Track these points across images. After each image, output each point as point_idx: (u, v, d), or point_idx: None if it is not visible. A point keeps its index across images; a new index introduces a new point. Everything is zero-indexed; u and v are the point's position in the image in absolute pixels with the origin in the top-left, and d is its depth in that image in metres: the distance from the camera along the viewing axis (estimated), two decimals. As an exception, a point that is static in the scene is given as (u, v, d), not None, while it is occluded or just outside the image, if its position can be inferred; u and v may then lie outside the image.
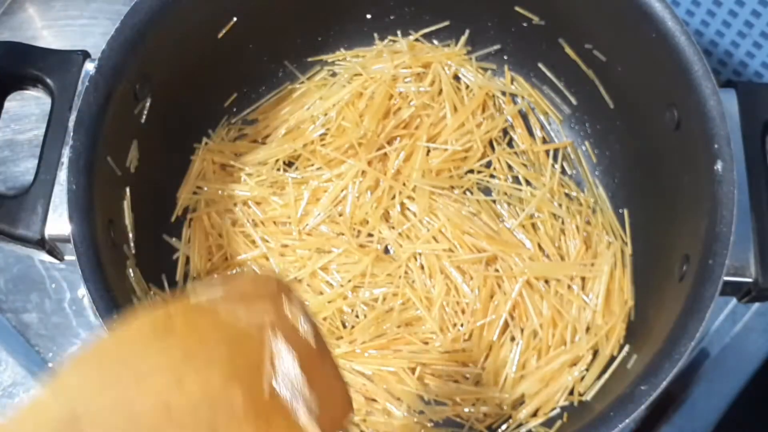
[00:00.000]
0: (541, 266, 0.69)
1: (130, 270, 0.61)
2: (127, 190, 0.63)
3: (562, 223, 0.71)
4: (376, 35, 0.77)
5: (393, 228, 0.70)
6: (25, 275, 0.74)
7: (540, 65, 0.76)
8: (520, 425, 0.65)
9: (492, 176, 0.74)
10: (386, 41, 0.77)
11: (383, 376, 0.66)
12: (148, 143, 0.66)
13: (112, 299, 0.55)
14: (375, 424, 0.65)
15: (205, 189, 0.72)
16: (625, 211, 0.71)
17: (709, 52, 0.77)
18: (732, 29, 0.73)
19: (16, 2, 0.83)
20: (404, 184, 0.71)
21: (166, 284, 0.67)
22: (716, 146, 0.57)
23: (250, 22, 0.69)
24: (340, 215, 0.71)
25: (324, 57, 0.77)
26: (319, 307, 0.67)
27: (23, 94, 0.62)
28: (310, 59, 0.77)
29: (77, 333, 0.72)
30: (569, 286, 0.68)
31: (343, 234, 0.70)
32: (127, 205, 0.63)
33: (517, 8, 0.72)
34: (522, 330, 0.67)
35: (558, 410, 0.64)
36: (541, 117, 0.77)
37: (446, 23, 0.76)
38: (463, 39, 0.77)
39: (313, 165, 0.73)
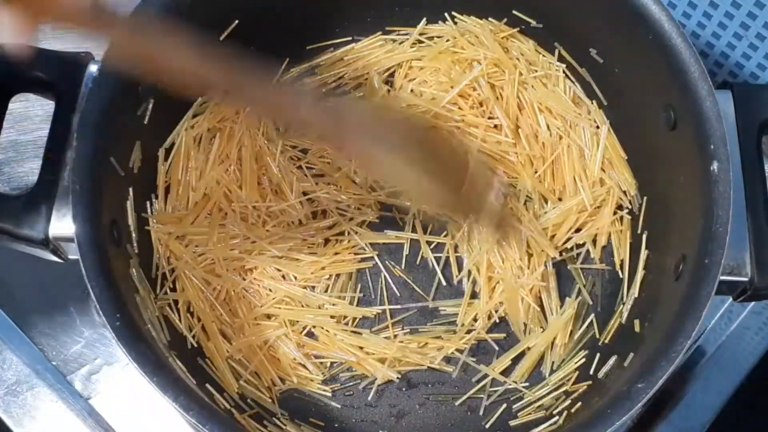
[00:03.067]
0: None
1: (133, 269, 0.62)
2: (130, 190, 0.63)
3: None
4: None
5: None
6: (29, 274, 0.74)
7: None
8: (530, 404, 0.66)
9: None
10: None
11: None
12: (151, 144, 0.67)
13: (116, 298, 0.55)
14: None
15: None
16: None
17: (705, 54, 0.78)
18: (728, 31, 0.74)
19: (19, 4, 0.83)
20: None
21: (169, 284, 0.67)
22: (712, 147, 0.58)
23: (251, 25, 0.70)
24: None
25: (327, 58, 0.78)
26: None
27: (27, 95, 0.63)
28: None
29: (81, 332, 0.72)
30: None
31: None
32: (130, 205, 0.63)
33: (515, 12, 0.73)
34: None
35: (557, 409, 0.65)
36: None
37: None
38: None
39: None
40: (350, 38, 0.77)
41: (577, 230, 0.71)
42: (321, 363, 0.68)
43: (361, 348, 0.68)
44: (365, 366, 0.68)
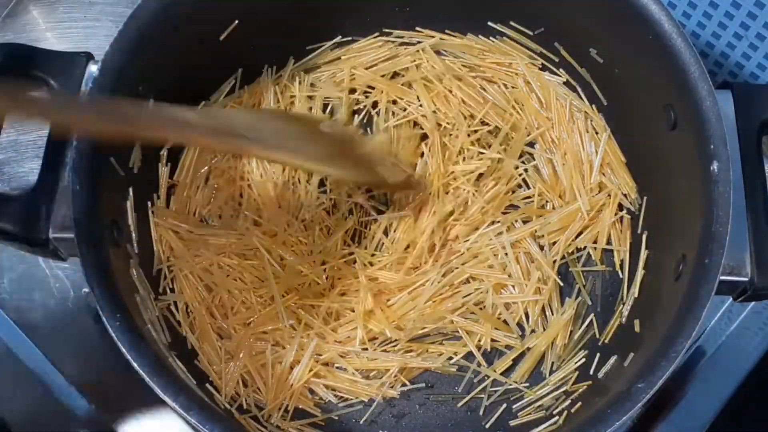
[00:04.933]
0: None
1: (133, 269, 0.62)
2: (130, 190, 0.63)
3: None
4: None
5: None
6: (30, 274, 0.74)
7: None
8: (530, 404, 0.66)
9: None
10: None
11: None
12: (150, 144, 0.67)
13: (116, 298, 0.55)
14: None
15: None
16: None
17: (705, 54, 0.78)
18: (728, 31, 0.74)
19: (20, 4, 0.83)
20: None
21: (167, 283, 0.67)
22: (712, 147, 0.58)
23: (252, 25, 0.70)
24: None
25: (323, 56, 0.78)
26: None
27: (27, 95, 0.63)
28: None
29: (81, 332, 0.73)
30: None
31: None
32: (130, 205, 0.63)
33: (512, 23, 0.73)
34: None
35: (557, 409, 0.65)
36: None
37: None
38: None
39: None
40: (350, 38, 0.77)
41: (579, 234, 0.71)
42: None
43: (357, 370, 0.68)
44: (363, 392, 0.68)
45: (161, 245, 0.67)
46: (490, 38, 0.76)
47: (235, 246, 0.69)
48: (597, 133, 0.72)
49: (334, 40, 0.76)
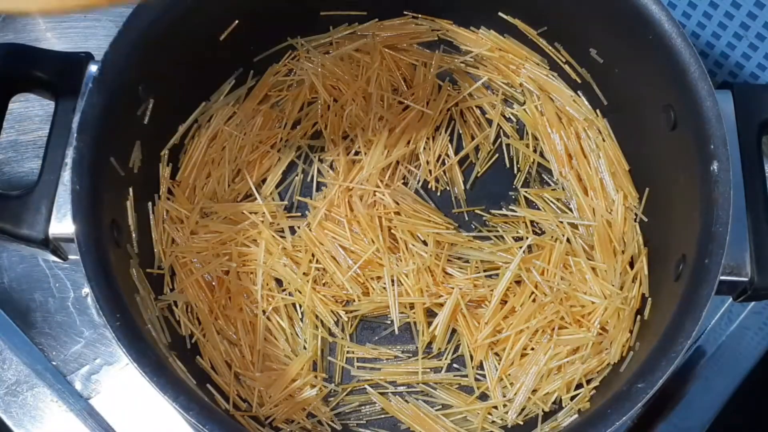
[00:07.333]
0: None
1: (134, 269, 0.62)
2: (131, 190, 0.63)
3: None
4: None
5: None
6: (29, 274, 0.74)
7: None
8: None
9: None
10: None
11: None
12: (151, 144, 0.67)
13: (116, 298, 0.55)
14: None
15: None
16: (623, 211, 0.72)
17: (705, 54, 0.78)
18: (728, 31, 0.74)
19: (19, 4, 0.84)
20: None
21: (168, 284, 0.67)
22: (712, 147, 0.58)
23: (251, 24, 0.70)
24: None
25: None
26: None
27: (27, 95, 0.63)
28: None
29: (81, 332, 0.73)
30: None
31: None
32: (130, 205, 0.63)
33: (517, 20, 0.73)
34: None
35: (555, 407, 0.65)
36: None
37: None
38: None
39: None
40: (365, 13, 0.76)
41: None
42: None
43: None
44: None
45: (161, 245, 0.67)
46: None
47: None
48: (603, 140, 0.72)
49: (335, 36, 0.77)
